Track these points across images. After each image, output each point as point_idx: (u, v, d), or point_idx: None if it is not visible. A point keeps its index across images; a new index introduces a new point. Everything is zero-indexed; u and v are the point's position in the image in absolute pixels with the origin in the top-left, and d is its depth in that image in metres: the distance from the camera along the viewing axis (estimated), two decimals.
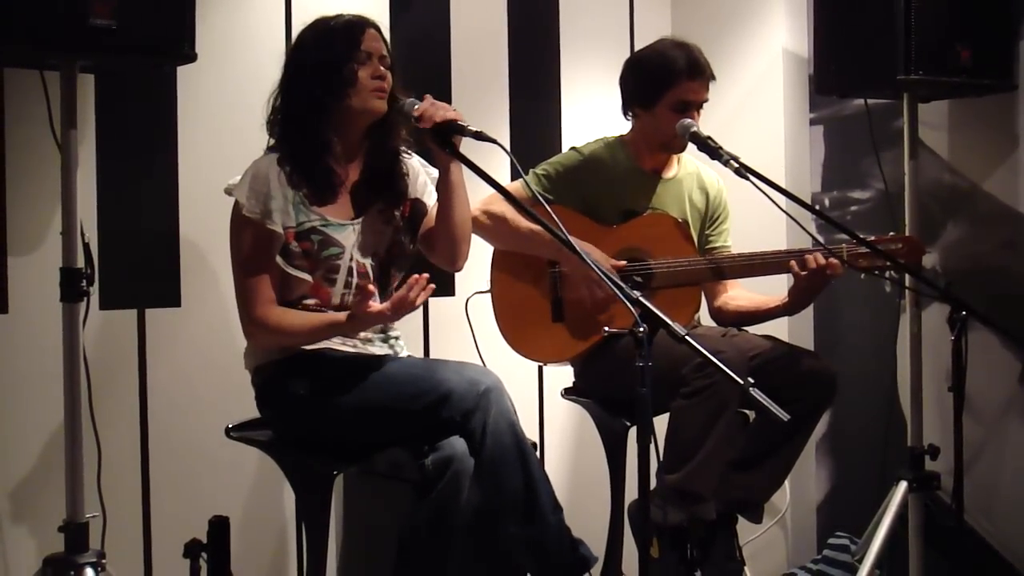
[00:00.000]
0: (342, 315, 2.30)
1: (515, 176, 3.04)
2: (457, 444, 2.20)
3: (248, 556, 2.85)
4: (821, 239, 2.76)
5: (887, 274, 2.76)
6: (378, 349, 2.44)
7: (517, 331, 2.83)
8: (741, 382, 1.84)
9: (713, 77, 2.78)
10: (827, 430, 3.56)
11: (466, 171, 2.29)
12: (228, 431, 2.45)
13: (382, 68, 2.37)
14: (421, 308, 2.66)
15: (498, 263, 2.86)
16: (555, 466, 3.50)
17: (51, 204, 2.47)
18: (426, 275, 2.21)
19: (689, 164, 2.96)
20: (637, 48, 3.26)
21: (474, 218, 2.61)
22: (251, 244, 2.32)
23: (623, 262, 2.77)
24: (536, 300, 2.83)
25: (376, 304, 2.25)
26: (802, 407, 2.57)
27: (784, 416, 1.82)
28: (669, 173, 2.92)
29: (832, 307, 3.51)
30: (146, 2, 2.18)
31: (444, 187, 2.43)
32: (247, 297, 2.32)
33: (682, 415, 2.56)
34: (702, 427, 2.53)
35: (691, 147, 2.72)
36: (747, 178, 2.51)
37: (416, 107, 2.32)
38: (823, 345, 3.54)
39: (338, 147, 2.40)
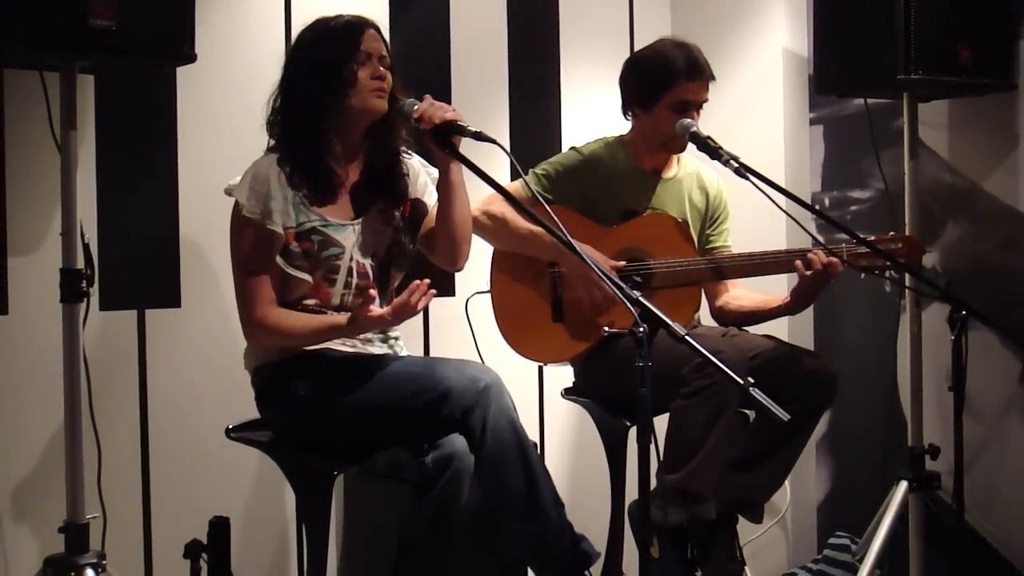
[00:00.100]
0: (342, 318, 2.30)
1: (515, 176, 3.04)
2: (457, 442, 2.21)
3: (248, 556, 2.85)
4: (821, 239, 2.76)
5: (887, 274, 2.76)
6: (378, 349, 2.44)
7: (517, 331, 2.83)
8: (741, 382, 1.83)
9: (713, 77, 2.78)
10: (827, 430, 3.55)
11: (466, 171, 2.29)
12: (228, 431, 2.45)
13: (382, 68, 2.37)
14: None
15: (498, 263, 2.86)
16: (555, 466, 3.50)
17: (51, 205, 2.47)
18: (427, 280, 2.21)
19: (689, 164, 2.96)
20: (637, 48, 3.26)
21: (474, 218, 2.61)
22: (251, 244, 2.32)
23: (622, 263, 2.77)
24: (536, 300, 2.83)
25: (376, 308, 2.26)
26: (802, 407, 2.57)
27: (784, 416, 1.81)
28: (669, 173, 2.92)
29: (832, 307, 3.50)
30: (146, 3, 2.18)
31: (444, 187, 2.43)
32: (247, 298, 2.32)
33: (682, 415, 2.56)
34: (702, 427, 2.53)
35: (691, 147, 2.72)
36: (747, 178, 2.51)
37: (416, 108, 2.32)
38: (823, 345, 3.54)
39: (338, 147, 2.40)
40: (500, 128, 3.39)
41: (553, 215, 2.05)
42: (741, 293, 2.92)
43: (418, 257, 2.55)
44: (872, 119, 3.20)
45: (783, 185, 2.68)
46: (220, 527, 2.41)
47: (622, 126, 2.95)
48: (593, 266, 1.92)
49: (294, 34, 2.49)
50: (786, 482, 3.01)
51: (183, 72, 2.57)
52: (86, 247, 2.27)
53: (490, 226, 2.79)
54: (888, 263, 2.62)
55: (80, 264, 2.27)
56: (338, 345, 2.38)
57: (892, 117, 3.24)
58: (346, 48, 2.35)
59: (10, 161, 2.54)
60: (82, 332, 2.28)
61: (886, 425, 3.33)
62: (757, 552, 3.48)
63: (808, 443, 2.85)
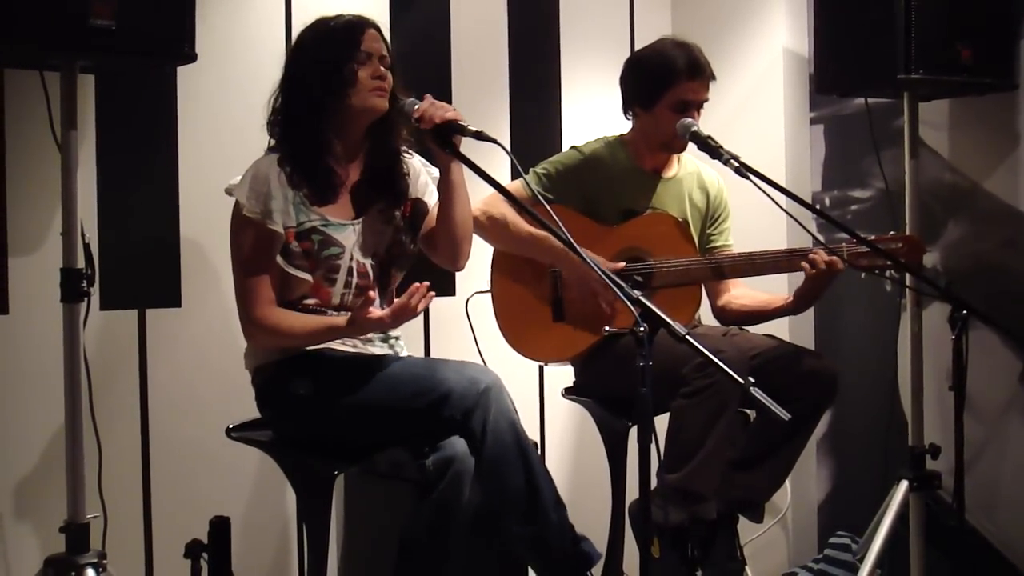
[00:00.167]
0: (342, 319, 2.29)
1: (515, 176, 3.04)
2: (458, 444, 2.20)
3: (249, 556, 2.85)
4: (822, 238, 2.76)
5: (888, 273, 2.76)
6: (378, 349, 2.44)
7: (517, 331, 2.83)
8: (742, 381, 1.83)
9: (713, 77, 2.78)
10: (828, 429, 3.55)
11: (467, 171, 2.29)
12: (229, 431, 2.45)
13: (382, 68, 2.37)
14: None
15: (498, 263, 2.86)
16: (556, 466, 3.50)
17: (51, 204, 2.47)
18: (426, 283, 2.21)
19: (689, 164, 2.96)
20: (637, 48, 3.26)
21: (474, 218, 2.61)
22: (251, 244, 2.32)
23: (622, 264, 2.76)
24: (536, 300, 2.83)
25: (376, 310, 2.25)
26: (803, 406, 2.57)
27: (785, 416, 1.81)
28: (669, 173, 2.92)
29: (833, 307, 3.50)
30: (146, 2, 2.18)
31: (445, 187, 2.43)
32: (247, 297, 2.32)
33: (683, 415, 2.56)
34: (703, 427, 2.53)
35: (691, 147, 2.72)
36: (747, 177, 2.51)
37: (416, 107, 2.32)
38: (824, 344, 3.54)
39: (338, 147, 2.40)
40: (500, 128, 3.39)
41: (553, 215, 2.05)
42: (743, 292, 2.92)
43: (419, 257, 2.55)
44: (873, 118, 3.20)
45: (784, 185, 2.68)
46: (221, 527, 2.41)
47: (622, 126, 2.95)
48: (594, 266, 1.92)
49: (294, 34, 2.49)
50: (787, 481, 3.01)
51: (183, 72, 2.57)
52: (86, 247, 2.27)
53: (490, 228, 2.79)
54: (889, 263, 2.62)
55: (80, 264, 2.26)
56: (339, 345, 2.38)
57: (893, 116, 3.24)
58: (346, 48, 2.34)
59: (10, 161, 2.54)
60: (82, 332, 2.28)
61: (887, 424, 3.33)
62: (758, 552, 3.48)
63: (809, 443, 2.85)
